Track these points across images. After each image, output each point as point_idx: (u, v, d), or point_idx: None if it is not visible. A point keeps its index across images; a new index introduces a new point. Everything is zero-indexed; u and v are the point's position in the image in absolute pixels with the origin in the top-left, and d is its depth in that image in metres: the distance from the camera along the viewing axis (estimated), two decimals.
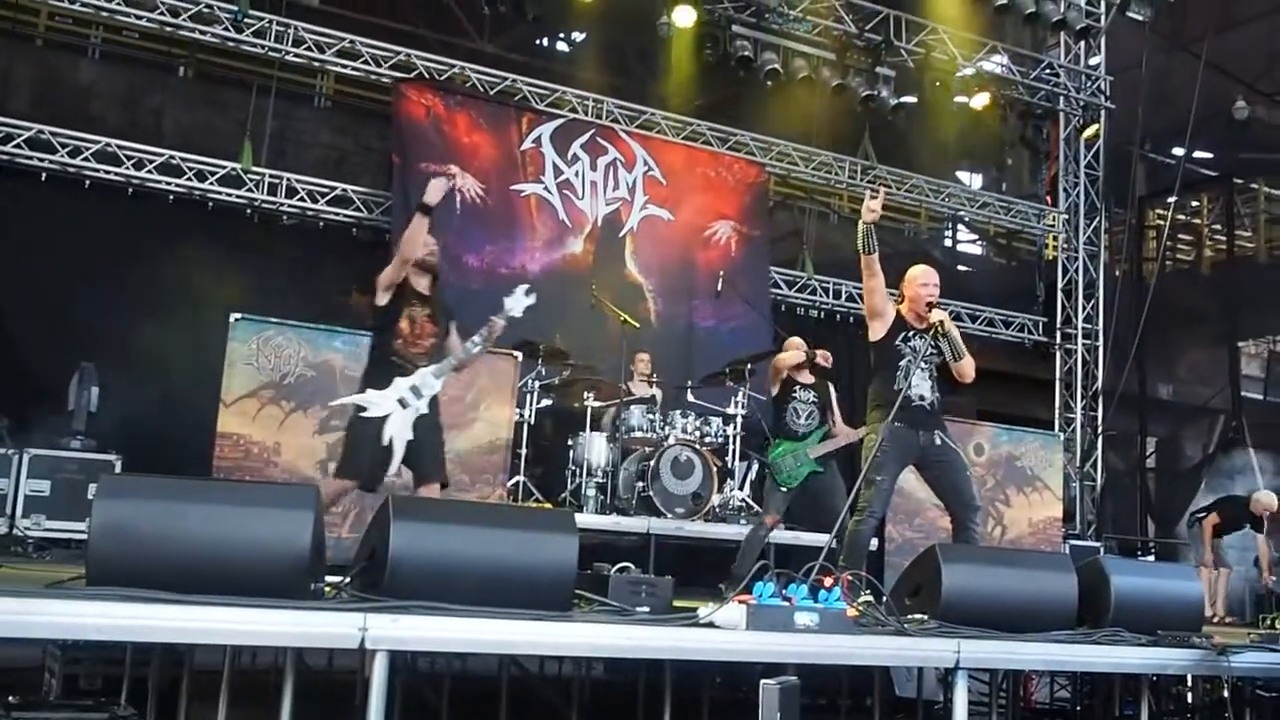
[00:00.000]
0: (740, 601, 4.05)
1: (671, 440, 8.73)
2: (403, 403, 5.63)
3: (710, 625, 3.99)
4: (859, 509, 5.76)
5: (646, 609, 4.13)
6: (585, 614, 3.91)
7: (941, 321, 5.91)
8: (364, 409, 5.63)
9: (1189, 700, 6.38)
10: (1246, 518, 10.51)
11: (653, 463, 8.56)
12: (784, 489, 7.66)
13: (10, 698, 4.35)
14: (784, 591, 4.16)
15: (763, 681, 3.50)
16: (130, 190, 9.78)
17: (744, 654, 3.99)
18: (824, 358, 7.88)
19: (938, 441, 5.95)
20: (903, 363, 5.97)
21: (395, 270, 5.78)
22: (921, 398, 5.95)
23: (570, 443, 8.83)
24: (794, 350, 7.86)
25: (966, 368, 6.02)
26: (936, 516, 10.10)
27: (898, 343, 6.03)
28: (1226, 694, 5.62)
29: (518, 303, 5.77)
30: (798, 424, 7.74)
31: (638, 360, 9.38)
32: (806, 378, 7.86)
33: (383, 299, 5.79)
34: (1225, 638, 5.20)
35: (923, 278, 6.16)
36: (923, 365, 5.99)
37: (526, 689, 5.62)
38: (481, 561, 3.73)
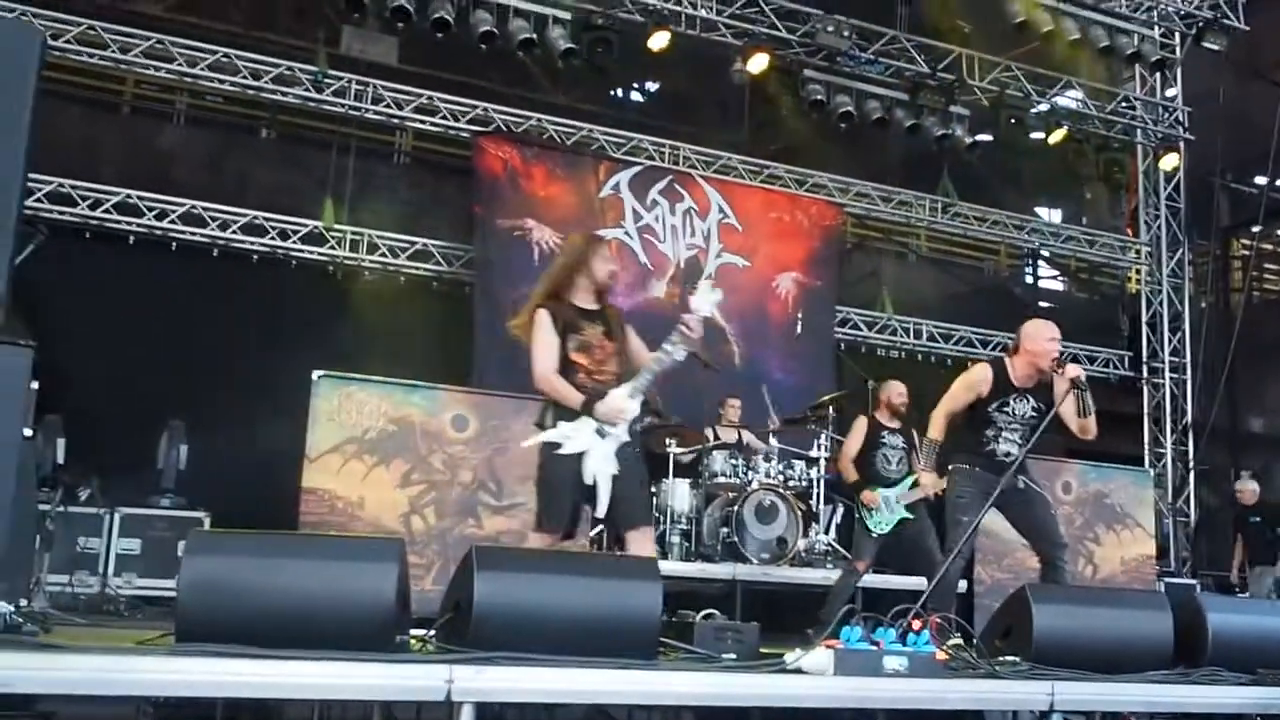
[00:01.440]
0: (828, 646, 3.99)
1: (755, 485, 8.67)
2: (600, 432, 4.93)
3: (798, 671, 3.93)
4: (946, 551, 5.67)
5: (733, 655, 4.09)
6: (671, 662, 3.87)
7: (1078, 377, 5.64)
8: (558, 445, 4.91)
9: None
10: None
11: (737, 508, 8.50)
12: (874, 534, 7.57)
13: None
14: (872, 636, 4.09)
15: None
16: (215, 251, 10.04)
17: (832, 700, 3.91)
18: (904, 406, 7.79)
19: (1020, 485, 5.80)
20: (990, 431, 5.87)
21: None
22: (1007, 454, 5.83)
23: (654, 489, 8.81)
24: (883, 406, 7.80)
25: (1091, 425, 5.76)
26: (1025, 557, 9.86)
27: (993, 410, 5.86)
28: None
29: (705, 298, 5.02)
30: (889, 470, 7.66)
31: (728, 406, 9.33)
32: (893, 422, 7.78)
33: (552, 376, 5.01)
34: None
35: (1047, 332, 5.89)
36: (1016, 428, 5.86)
37: None
38: (566, 611, 3.71)
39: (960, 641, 4.82)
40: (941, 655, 4.27)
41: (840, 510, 9.27)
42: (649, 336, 5.14)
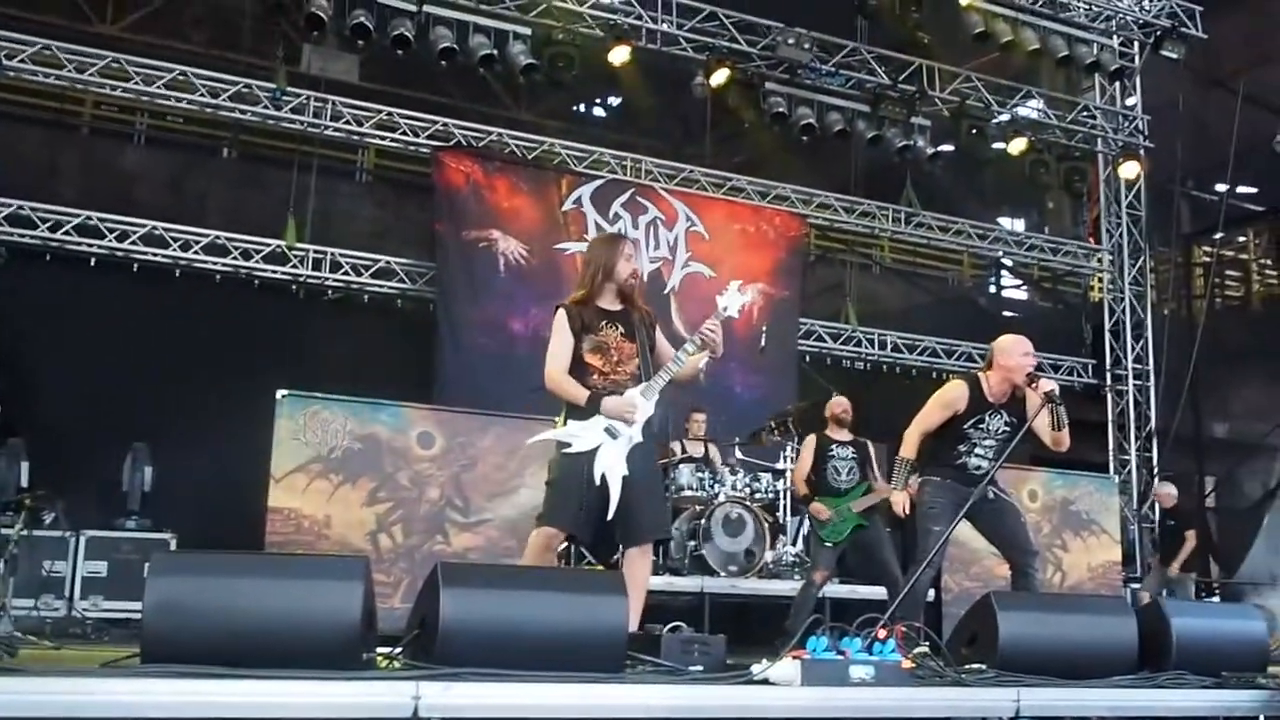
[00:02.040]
0: (794, 657, 4.00)
1: (722, 498, 8.71)
2: (611, 432, 4.85)
3: (765, 682, 3.94)
4: (916, 560, 5.70)
5: (700, 668, 4.09)
6: (638, 675, 3.87)
7: (1052, 391, 5.66)
8: (567, 445, 4.86)
9: None
10: None
11: (704, 521, 8.54)
12: (829, 544, 7.61)
13: None
14: (838, 645, 4.11)
15: None
16: (178, 271, 9.98)
17: (799, 710, 3.92)
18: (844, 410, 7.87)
19: (990, 495, 5.84)
20: (963, 446, 5.90)
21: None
22: (978, 468, 5.88)
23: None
24: (832, 418, 7.85)
25: (1065, 437, 5.77)
26: (993, 565, 9.94)
27: (968, 426, 5.89)
28: None
29: (733, 300, 5.10)
30: (839, 481, 7.69)
31: (693, 420, 9.34)
32: (843, 435, 7.83)
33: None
34: None
35: (1021, 347, 5.94)
36: (990, 444, 5.91)
37: None
38: (532, 626, 3.71)
39: (926, 650, 4.84)
40: (908, 664, 4.29)
41: (806, 522, 9.30)
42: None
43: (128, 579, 7.46)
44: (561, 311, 5.01)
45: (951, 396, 5.96)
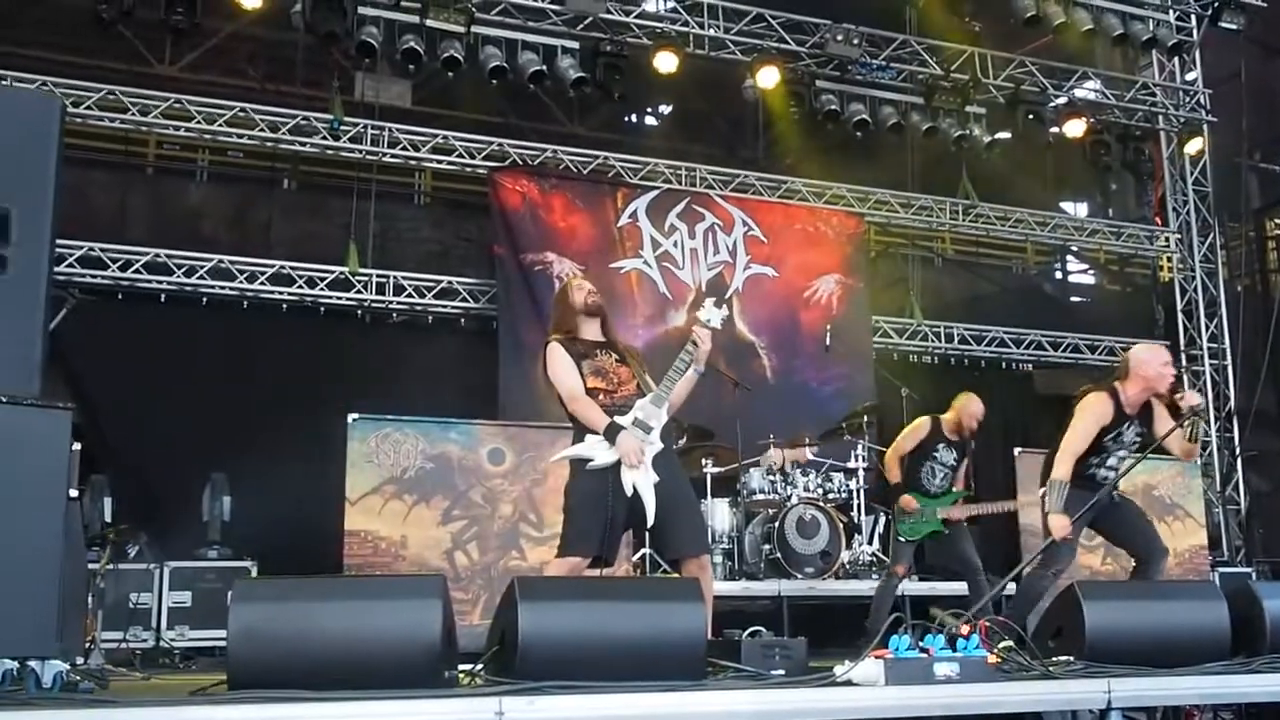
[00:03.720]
0: (877, 656, 3.97)
1: (794, 500, 8.67)
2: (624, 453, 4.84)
3: (848, 683, 3.91)
4: (1043, 561, 5.81)
5: (782, 671, 4.07)
6: (720, 681, 3.86)
7: (1198, 405, 5.67)
8: (589, 459, 4.89)
9: None
10: None
11: (777, 524, 8.50)
12: (904, 540, 7.60)
13: None
14: (921, 643, 4.06)
15: None
16: (245, 303, 10.14)
17: (884, 710, 3.89)
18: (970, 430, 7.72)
19: (1115, 499, 5.93)
20: (1095, 459, 5.89)
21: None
22: (1105, 478, 5.90)
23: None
24: (957, 418, 7.69)
25: (1196, 449, 5.89)
26: (1077, 555, 9.80)
27: (1107, 439, 5.87)
28: None
29: (711, 313, 5.06)
30: (932, 483, 7.65)
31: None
32: (952, 435, 7.71)
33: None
34: None
35: (1161, 356, 5.93)
36: (1122, 454, 5.91)
37: None
38: (611, 637, 3.72)
39: (1011, 644, 4.77)
40: (993, 659, 4.24)
41: (882, 520, 9.23)
42: (670, 366, 5.12)
43: (212, 608, 7.57)
44: (554, 343, 5.11)
45: (1100, 411, 5.87)
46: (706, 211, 11.39)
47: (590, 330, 5.19)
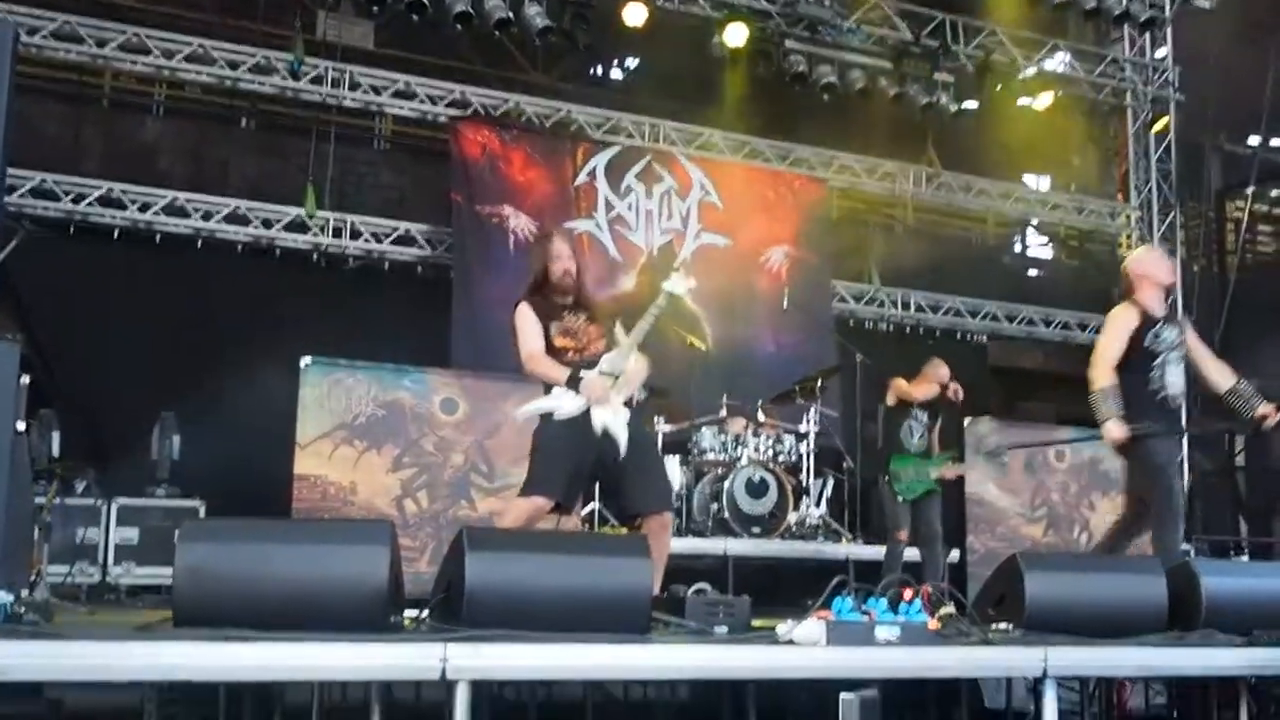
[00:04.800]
0: (819, 618, 4.01)
1: (744, 460, 8.71)
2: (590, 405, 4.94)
3: (790, 643, 3.95)
4: (1158, 516, 5.72)
5: (725, 629, 4.10)
6: (663, 636, 3.89)
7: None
8: (551, 413, 4.96)
9: None
10: None
11: (727, 484, 8.54)
12: (901, 500, 7.74)
13: None
14: (863, 606, 4.11)
15: (842, 695, 3.45)
16: (199, 242, 10.01)
17: (824, 670, 3.93)
18: (955, 392, 7.86)
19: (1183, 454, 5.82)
20: (1155, 369, 5.76)
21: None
22: (1175, 399, 5.79)
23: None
24: (929, 382, 7.88)
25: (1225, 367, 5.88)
26: (1019, 525, 9.96)
27: (1149, 343, 5.77)
28: None
29: (677, 283, 5.19)
30: (911, 442, 7.82)
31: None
32: (925, 396, 7.92)
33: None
34: None
35: (1152, 252, 6.17)
36: (1175, 357, 5.80)
37: (612, 715, 5.59)
38: (557, 589, 3.73)
39: (953, 610, 4.83)
40: (934, 624, 4.29)
41: (830, 484, 9.32)
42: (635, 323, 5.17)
43: (159, 546, 7.52)
44: (523, 304, 5.17)
45: (1123, 318, 5.88)
46: (666, 172, 11.34)
47: (558, 294, 5.22)
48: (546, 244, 5.38)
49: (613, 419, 4.92)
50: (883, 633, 4.02)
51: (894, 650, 3.99)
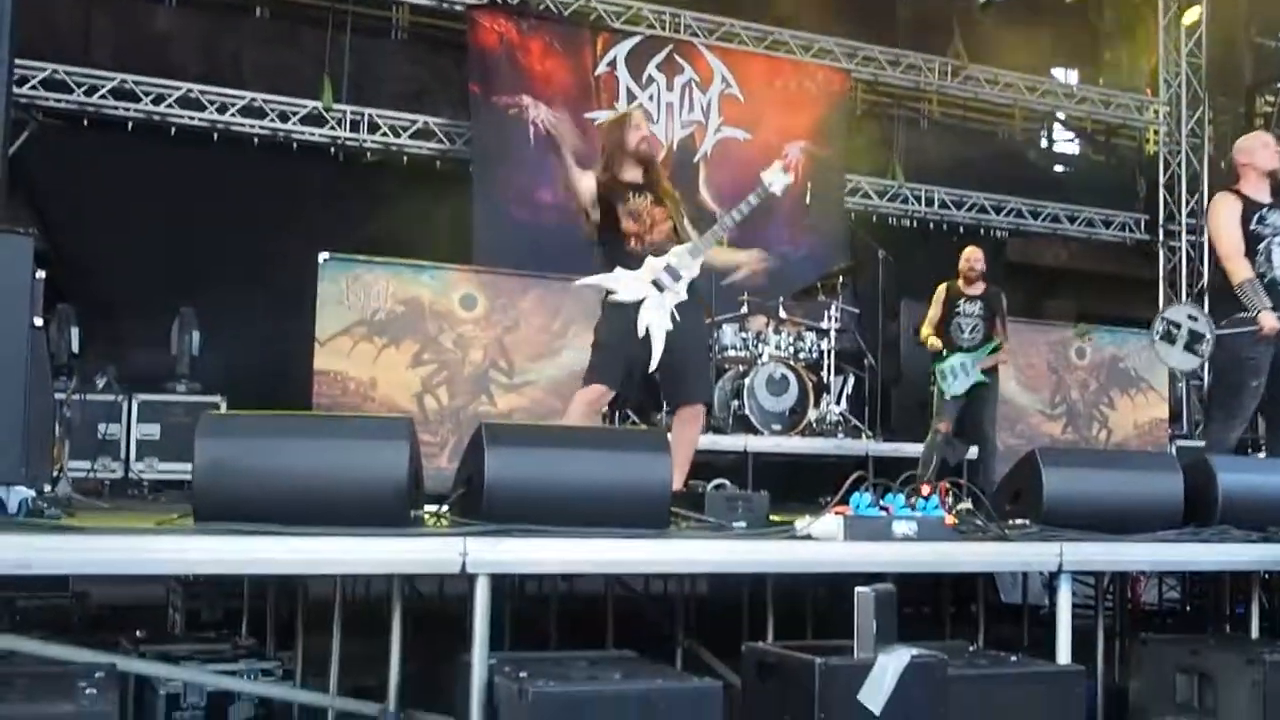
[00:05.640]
0: (838, 513, 4.03)
1: (765, 357, 8.68)
2: (658, 285, 4.92)
3: (807, 538, 3.97)
4: (1226, 412, 5.67)
5: (743, 524, 4.12)
6: (682, 531, 3.91)
7: None
8: (613, 291, 4.92)
9: None
10: None
11: (747, 380, 8.53)
12: (949, 397, 7.83)
13: (139, 632, 4.55)
14: (881, 501, 4.12)
15: (857, 589, 3.48)
16: (215, 135, 9.90)
17: (841, 564, 3.95)
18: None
19: None
20: (1260, 254, 5.65)
21: (588, 180, 5.11)
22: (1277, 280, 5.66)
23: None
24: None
25: None
26: (1039, 422, 9.97)
27: (1253, 226, 5.66)
28: None
29: (777, 178, 5.26)
30: (961, 337, 7.92)
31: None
32: (973, 289, 8.02)
33: (594, 213, 5.09)
34: None
35: (1260, 137, 5.86)
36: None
37: (633, 609, 5.66)
38: (577, 484, 3.73)
39: (970, 506, 4.85)
40: (951, 520, 4.30)
41: (851, 381, 9.28)
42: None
43: (181, 441, 7.55)
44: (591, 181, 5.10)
45: (1223, 207, 5.77)
46: (686, 64, 11.13)
47: (632, 173, 5.15)
48: (625, 118, 5.35)
49: (656, 323, 4.88)
50: (900, 527, 4.03)
51: (910, 545, 4.00)
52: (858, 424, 9.10)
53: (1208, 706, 4.32)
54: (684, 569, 3.68)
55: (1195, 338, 5.82)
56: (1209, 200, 10.87)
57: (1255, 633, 4.98)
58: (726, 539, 3.89)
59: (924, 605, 6.65)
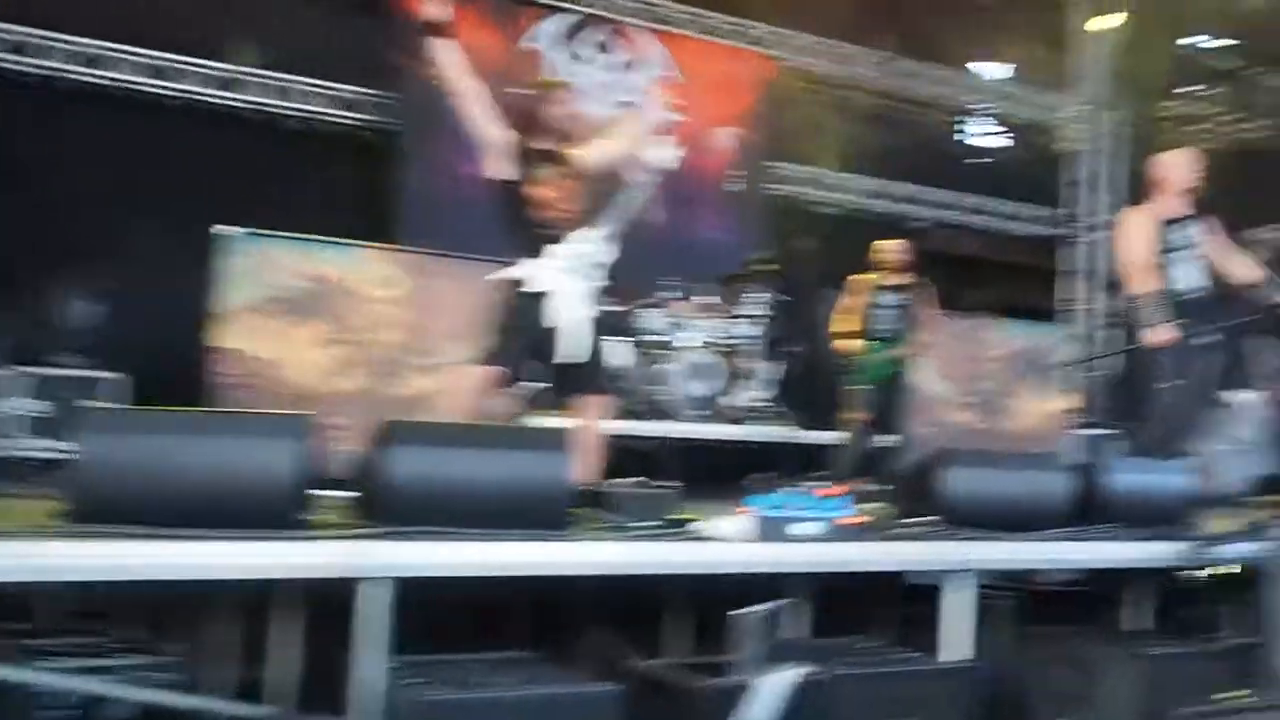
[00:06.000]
0: (742, 513, 4.01)
1: (689, 342, 8.64)
2: (566, 271, 4.81)
3: (709, 538, 3.95)
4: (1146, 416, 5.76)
5: (650, 522, 4.06)
6: (579, 532, 3.84)
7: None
8: (520, 283, 4.79)
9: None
10: None
11: (670, 366, 8.51)
12: (864, 387, 7.94)
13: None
14: (789, 501, 4.12)
15: (731, 614, 3.51)
16: (118, 97, 9.39)
17: (744, 565, 3.95)
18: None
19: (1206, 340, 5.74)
20: (1170, 259, 5.77)
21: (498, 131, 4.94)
22: (1186, 293, 5.77)
23: None
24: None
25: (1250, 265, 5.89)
26: (951, 411, 10.06)
27: (1164, 239, 5.78)
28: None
29: (664, 153, 5.23)
30: (878, 329, 8.01)
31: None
32: (893, 280, 8.10)
33: (505, 170, 4.89)
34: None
35: (1178, 156, 5.94)
36: (1186, 255, 5.78)
37: (548, 599, 5.53)
38: (476, 484, 3.67)
39: (878, 505, 4.88)
40: (856, 519, 4.31)
41: (775, 367, 9.28)
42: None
43: (71, 417, 7.33)
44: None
45: (1133, 220, 5.92)
46: (621, 43, 11.00)
47: (545, 143, 5.02)
48: (548, 86, 5.34)
49: (563, 309, 4.77)
50: (806, 528, 4.03)
51: (816, 546, 4.01)
52: (782, 410, 9.09)
53: (1089, 698, 4.40)
54: (581, 571, 3.63)
55: None
56: (1125, 200, 11.11)
57: (1144, 626, 5.18)
58: (625, 540, 3.84)
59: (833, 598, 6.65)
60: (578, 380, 4.90)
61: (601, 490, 4.22)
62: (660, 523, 4.06)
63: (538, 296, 4.76)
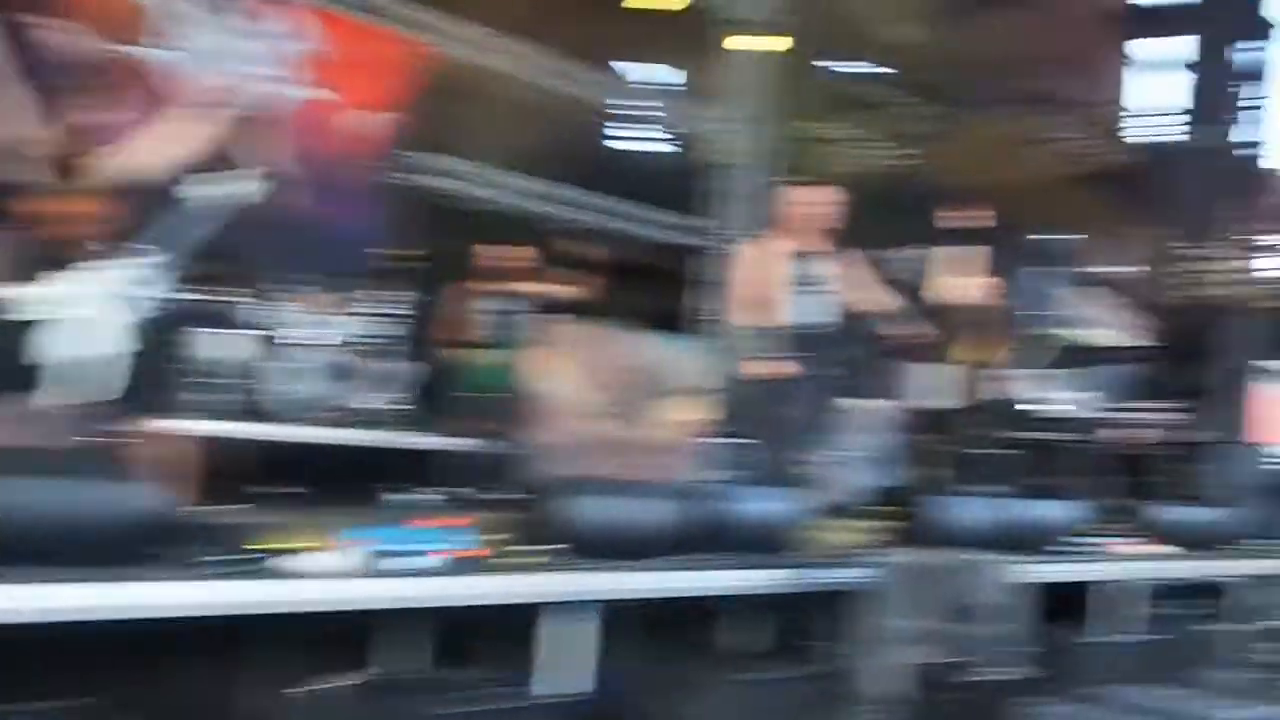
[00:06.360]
0: (343, 546, 3.76)
1: (312, 340, 8.29)
2: (69, 305, 4.08)
3: (298, 575, 3.65)
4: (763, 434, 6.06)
5: (226, 557, 3.66)
6: (151, 570, 3.42)
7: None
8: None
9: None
10: None
11: (292, 365, 8.14)
12: (464, 395, 7.90)
13: None
14: (401, 533, 3.93)
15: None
16: None
17: (346, 603, 3.71)
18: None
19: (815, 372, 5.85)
20: (789, 293, 5.88)
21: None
22: (804, 327, 5.91)
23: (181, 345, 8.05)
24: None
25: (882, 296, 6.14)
26: (578, 419, 10.07)
27: (785, 273, 5.88)
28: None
29: (246, 187, 4.70)
30: (482, 335, 7.97)
31: None
32: (514, 286, 8.12)
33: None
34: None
35: (809, 194, 6.03)
36: (807, 290, 5.87)
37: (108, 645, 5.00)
38: (40, 517, 3.23)
39: (504, 536, 4.74)
40: (470, 553, 4.16)
41: (404, 369, 9.01)
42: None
43: None
44: None
45: (747, 256, 6.09)
46: (252, 10, 10.25)
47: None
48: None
49: (66, 343, 4.04)
50: (423, 561, 3.87)
51: (436, 580, 3.91)
52: (410, 415, 8.81)
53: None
54: (150, 613, 3.24)
55: None
56: (764, 219, 11.58)
57: (752, 650, 5.26)
58: (200, 580, 3.46)
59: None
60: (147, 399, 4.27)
61: (183, 523, 3.77)
62: (246, 556, 3.70)
63: (15, 326, 4.01)
